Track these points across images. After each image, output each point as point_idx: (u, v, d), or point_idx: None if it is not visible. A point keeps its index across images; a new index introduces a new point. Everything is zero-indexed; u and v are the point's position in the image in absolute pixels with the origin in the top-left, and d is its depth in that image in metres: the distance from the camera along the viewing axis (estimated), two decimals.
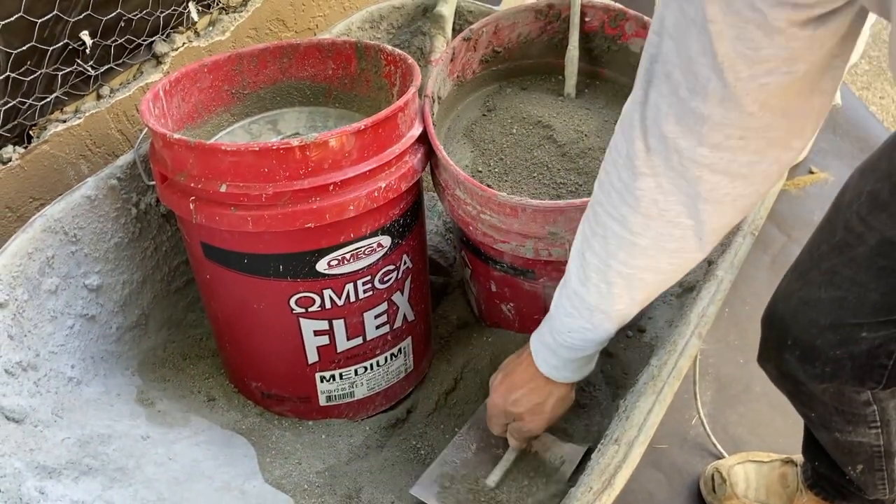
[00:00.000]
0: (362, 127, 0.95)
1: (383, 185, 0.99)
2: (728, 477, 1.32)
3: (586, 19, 1.17)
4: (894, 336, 0.86)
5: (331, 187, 0.95)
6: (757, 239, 1.11)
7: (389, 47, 1.13)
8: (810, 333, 0.91)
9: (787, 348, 0.94)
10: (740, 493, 1.30)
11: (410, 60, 1.09)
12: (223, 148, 0.92)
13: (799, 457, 1.26)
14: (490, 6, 1.46)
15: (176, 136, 0.95)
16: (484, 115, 1.20)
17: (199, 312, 1.25)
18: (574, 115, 1.16)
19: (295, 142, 0.92)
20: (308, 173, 0.94)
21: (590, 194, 1.07)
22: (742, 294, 1.73)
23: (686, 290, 1.23)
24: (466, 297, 1.33)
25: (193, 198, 0.97)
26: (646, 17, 1.13)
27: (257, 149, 0.92)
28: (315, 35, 1.59)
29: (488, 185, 1.09)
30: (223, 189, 0.94)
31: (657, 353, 0.96)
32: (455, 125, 1.19)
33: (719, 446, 1.43)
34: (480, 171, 1.12)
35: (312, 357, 1.09)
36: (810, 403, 1.01)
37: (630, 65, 1.17)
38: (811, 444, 1.16)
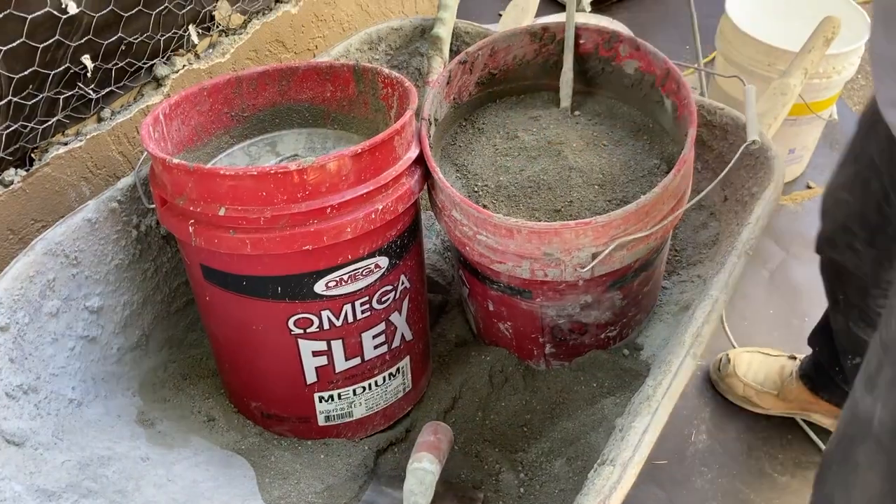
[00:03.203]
0: (359, 150, 0.96)
1: (380, 207, 1.00)
2: (733, 359, 1.55)
3: (581, 42, 1.18)
4: None
5: (328, 210, 0.96)
6: (755, 254, 1.12)
7: (386, 70, 1.14)
8: (831, 227, 1.12)
9: (825, 239, 1.18)
10: (741, 374, 1.53)
11: (407, 83, 1.10)
12: (222, 172, 0.94)
13: (801, 354, 1.48)
14: (487, 27, 1.47)
15: (175, 160, 0.96)
16: (480, 135, 1.21)
17: (199, 332, 1.26)
18: (569, 133, 1.17)
19: (293, 166, 0.93)
20: (306, 196, 0.95)
21: (587, 212, 1.08)
22: (740, 310, 1.73)
23: (682, 309, 1.24)
24: (465, 315, 1.34)
25: (192, 221, 0.98)
26: (639, 40, 1.14)
27: (255, 173, 0.93)
28: (314, 56, 1.61)
29: (484, 206, 1.10)
30: (222, 212, 0.95)
31: (652, 373, 0.97)
32: (451, 146, 1.20)
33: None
34: (477, 192, 1.13)
35: (311, 377, 1.10)
36: (847, 282, 1.17)
37: (624, 86, 1.19)
38: (821, 332, 1.35)
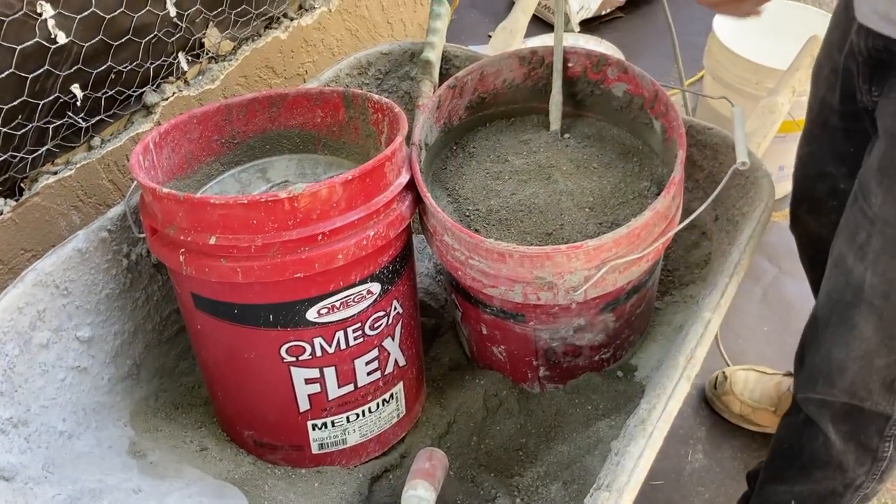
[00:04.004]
0: (350, 177, 0.96)
1: (372, 234, 1.00)
2: (730, 376, 1.57)
3: (569, 65, 1.19)
4: None
5: (319, 237, 0.96)
6: (748, 272, 1.12)
7: (376, 96, 1.15)
8: (807, 185, 1.19)
9: (799, 205, 1.27)
10: (737, 392, 1.55)
11: (397, 109, 1.10)
12: (212, 201, 0.93)
13: None
14: (476, 50, 1.48)
15: (165, 189, 0.96)
16: (470, 159, 1.21)
17: (190, 360, 1.25)
18: (559, 157, 1.18)
19: (283, 194, 0.93)
20: (297, 224, 0.95)
21: (579, 235, 1.08)
22: (734, 327, 1.73)
23: (676, 329, 1.24)
24: (458, 338, 1.34)
25: (183, 250, 0.98)
26: (627, 63, 1.15)
27: (246, 201, 0.93)
28: (304, 81, 1.61)
29: (476, 230, 1.10)
30: (212, 241, 0.95)
31: (647, 397, 0.97)
32: (442, 170, 1.21)
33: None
34: (468, 216, 1.13)
35: (304, 405, 1.09)
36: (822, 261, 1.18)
37: (613, 108, 1.19)
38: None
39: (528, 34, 2.13)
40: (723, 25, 1.94)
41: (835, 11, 1.13)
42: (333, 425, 1.12)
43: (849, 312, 1.05)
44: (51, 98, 1.19)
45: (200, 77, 1.43)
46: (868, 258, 1.01)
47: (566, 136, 1.21)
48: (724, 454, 1.54)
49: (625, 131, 1.20)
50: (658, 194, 1.08)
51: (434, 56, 1.37)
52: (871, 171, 0.99)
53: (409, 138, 1.10)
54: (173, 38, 1.35)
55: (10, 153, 1.17)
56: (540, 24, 2.51)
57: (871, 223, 0.99)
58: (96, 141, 1.30)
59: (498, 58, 1.19)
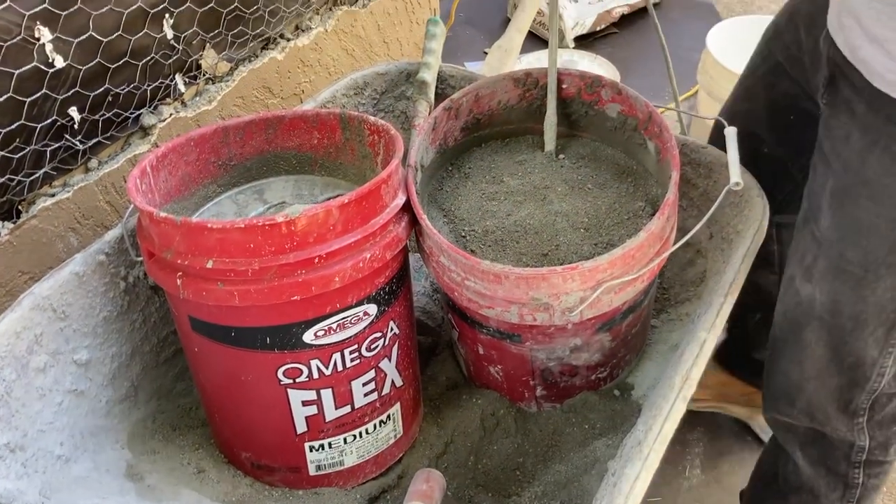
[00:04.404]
0: (346, 201, 0.96)
1: (368, 256, 1.00)
2: None
3: (563, 86, 1.20)
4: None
5: (316, 260, 0.97)
6: None
7: (373, 118, 1.15)
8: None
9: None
10: None
11: (393, 131, 1.11)
12: (209, 225, 0.94)
13: None
14: (471, 69, 1.49)
15: (162, 213, 0.97)
16: (466, 180, 1.22)
17: (188, 381, 1.25)
18: (554, 178, 1.18)
19: (280, 217, 0.93)
20: (294, 247, 0.95)
21: (574, 255, 1.09)
22: None
23: (672, 348, 1.24)
24: (455, 357, 1.34)
25: (180, 273, 0.98)
26: (620, 84, 1.16)
27: (243, 225, 0.93)
28: (301, 100, 1.62)
29: (472, 251, 1.11)
30: (210, 265, 0.95)
31: (643, 417, 0.97)
32: (438, 191, 1.21)
33: None
34: (464, 237, 1.13)
35: (301, 427, 1.09)
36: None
37: (607, 129, 1.20)
38: None
39: (524, 50, 2.15)
40: (716, 41, 1.95)
41: None
42: (331, 447, 1.13)
43: (801, 331, 1.10)
44: (48, 121, 1.20)
45: (198, 98, 1.44)
46: (814, 278, 1.05)
47: (561, 156, 1.22)
48: (722, 469, 1.55)
49: (619, 152, 1.21)
50: (653, 214, 1.09)
51: (430, 76, 1.38)
52: (823, 193, 1.01)
53: (405, 159, 1.10)
54: (170, 60, 1.35)
55: (8, 176, 1.17)
56: (536, 40, 2.52)
57: (819, 245, 1.03)
58: (94, 163, 1.31)
59: (493, 79, 1.20)
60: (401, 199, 1.06)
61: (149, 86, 1.34)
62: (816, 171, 1.05)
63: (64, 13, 1.14)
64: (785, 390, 1.15)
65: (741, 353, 1.53)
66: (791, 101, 1.16)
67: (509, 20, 2.07)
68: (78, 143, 1.26)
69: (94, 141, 1.28)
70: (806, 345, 1.10)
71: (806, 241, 1.06)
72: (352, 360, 1.07)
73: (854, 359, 1.06)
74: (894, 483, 1.52)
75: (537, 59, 2.28)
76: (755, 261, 1.13)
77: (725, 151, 1.10)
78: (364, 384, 1.10)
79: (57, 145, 1.23)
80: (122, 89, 1.29)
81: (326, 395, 1.07)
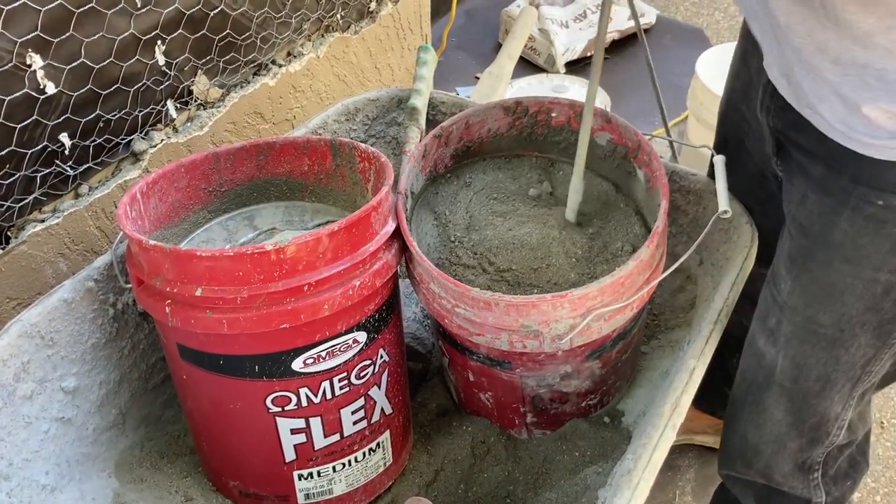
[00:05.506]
0: (336, 228, 0.96)
1: (358, 283, 1.00)
2: None
3: (553, 115, 1.21)
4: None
5: (305, 288, 0.96)
6: None
7: (363, 145, 1.16)
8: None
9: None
10: None
11: (384, 158, 1.11)
12: (198, 254, 0.94)
13: None
14: (461, 97, 1.50)
15: (151, 241, 0.97)
16: (456, 204, 1.22)
17: (176, 408, 1.25)
18: (557, 210, 1.19)
19: (269, 245, 0.93)
20: (283, 275, 0.95)
21: (561, 279, 1.09)
22: None
23: (662, 374, 1.24)
24: (445, 383, 1.34)
25: (169, 301, 0.98)
26: (610, 113, 1.17)
27: (232, 254, 0.93)
28: (293, 126, 1.63)
29: (458, 256, 1.12)
30: (198, 293, 0.95)
31: (632, 447, 0.97)
32: (428, 217, 1.22)
33: None
34: (453, 242, 1.14)
35: (290, 455, 1.09)
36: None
37: (597, 157, 1.21)
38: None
39: (515, 76, 2.17)
40: (705, 67, 1.97)
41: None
42: (320, 475, 1.12)
43: (761, 395, 1.08)
44: (39, 147, 1.19)
45: (189, 124, 1.44)
46: (779, 342, 1.03)
47: (553, 194, 1.23)
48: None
49: (609, 180, 1.22)
50: (643, 242, 1.09)
51: (421, 103, 1.39)
52: (782, 257, 1.00)
53: (395, 186, 1.11)
54: (162, 86, 1.36)
55: None
56: (527, 65, 2.54)
57: (781, 309, 1.02)
58: (84, 188, 1.30)
59: (483, 107, 1.21)
60: (391, 227, 1.06)
61: (140, 112, 1.34)
62: (780, 240, 1.03)
63: (56, 40, 1.14)
64: (742, 452, 1.13)
65: (715, 391, 1.46)
66: (761, 176, 1.13)
67: (501, 46, 2.09)
68: (68, 168, 1.26)
69: (85, 167, 1.28)
70: (764, 409, 1.08)
71: (767, 301, 1.05)
72: (341, 387, 1.06)
73: (817, 419, 1.05)
74: (892, 482, 1.52)
75: (528, 85, 2.30)
76: (745, 302, 1.11)
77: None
78: (353, 412, 1.09)
79: (47, 171, 1.23)
80: (114, 115, 1.29)
81: (315, 423, 1.07)
